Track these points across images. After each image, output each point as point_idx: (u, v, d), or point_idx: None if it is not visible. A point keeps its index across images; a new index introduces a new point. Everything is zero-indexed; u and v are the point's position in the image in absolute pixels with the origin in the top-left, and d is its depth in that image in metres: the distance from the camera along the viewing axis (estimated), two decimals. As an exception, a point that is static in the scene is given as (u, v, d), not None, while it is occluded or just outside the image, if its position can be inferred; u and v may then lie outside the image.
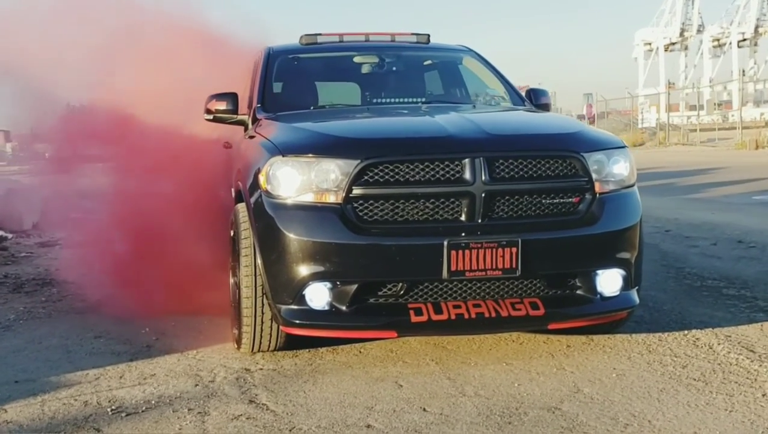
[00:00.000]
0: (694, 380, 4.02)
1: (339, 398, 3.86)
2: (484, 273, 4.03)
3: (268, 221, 4.15)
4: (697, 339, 4.77)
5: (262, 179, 4.21)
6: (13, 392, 4.04)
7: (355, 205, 4.05)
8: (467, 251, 4.00)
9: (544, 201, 4.20)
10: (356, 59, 6.02)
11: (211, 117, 5.41)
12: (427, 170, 4.06)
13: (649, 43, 68.85)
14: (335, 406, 3.75)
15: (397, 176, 4.05)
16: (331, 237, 4.03)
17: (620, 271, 4.35)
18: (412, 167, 4.06)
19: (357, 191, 4.03)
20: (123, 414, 3.68)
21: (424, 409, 3.69)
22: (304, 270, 4.04)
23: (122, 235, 6.64)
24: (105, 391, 4.01)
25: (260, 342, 4.44)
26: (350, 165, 4.04)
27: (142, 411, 3.71)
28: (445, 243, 3.97)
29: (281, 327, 4.27)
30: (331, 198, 4.05)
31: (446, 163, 4.07)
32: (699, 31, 66.30)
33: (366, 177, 4.04)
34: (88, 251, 7.05)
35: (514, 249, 4.03)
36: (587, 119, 45.48)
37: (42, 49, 7.97)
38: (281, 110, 5.28)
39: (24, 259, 8.28)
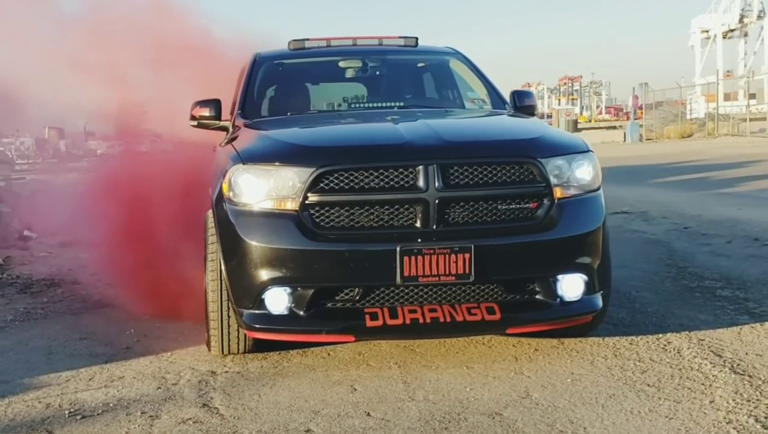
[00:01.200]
0: (648, 386, 4.01)
1: (290, 402, 3.94)
2: (437, 279, 4.07)
3: (229, 228, 4.25)
4: (668, 342, 4.74)
5: (225, 186, 4.31)
6: (-15, 393, 4.21)
7: (312, 212, 4.12)
8: (420, 257, 4.04)
9: (500, 207, 4.22)
10: (341, 64, 6.09)
11: (195, 123, 5.53)
12: (381, 177, 4.12)
13: (707, 31, 67.12)
14: (283, 410, 3.83)
15: (352, 184, 4.11)
16: (287, 243, 4.11)
17: (582, 276, 4.34)
18: (366, 174, 4.12)
19: (313, 198, 4.11)
20: (78, 417, 3.81)
21: (368, 414, 3.76)
22: (262, 275, 4.14)
23: (136, 236, 6.75)
24: (71, 393, 4.16)
25: (229, 345, 4.55)
26: (306, 173, 4.11)
27: (98, 414, 3.84)
28: (398, 249, 4.02)
29: (245, 331, 4.37)
30: (289, 205, 4.14)
31: (400, 170, 4.12)
32: (759, 17, 64.45)
33: (322, 184, 4.12)
34: (103, 251, 7.22)
35: (467, 255, 4.06)
36: (633, 110, 44.82)
37: (95, 54, 8.32)
38: (261, 116, 5.40)
39: (41, 259, 8.53)
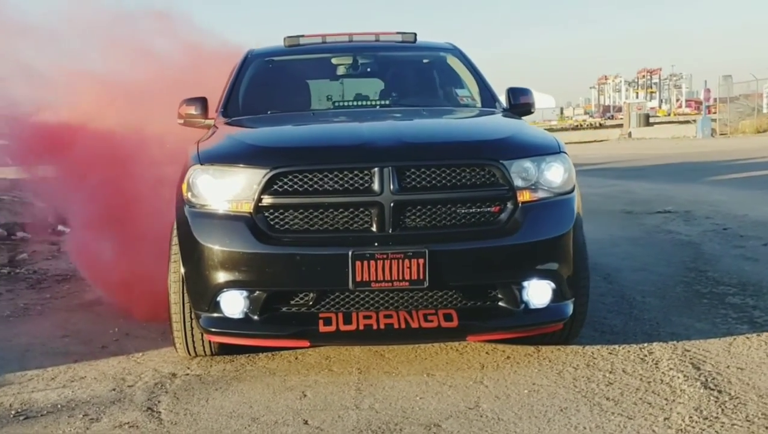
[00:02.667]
0: (607, 399, 3.81)
1: (234, 407, 3.87)
2: (390, 284, 3.95)
3: (186, 229, 4.20)
4: (650, 353, 4.52)
5: (184, 186, 4.27)
6: (-51, 390, 4.26)
7: (266, 214, 4.04)
8: (372, 262, 3.92)
9: (459, 211, 4.06)
10: (333, 61, 6.00)
11: (182, 121, 5.51)
12: (336, 179, 4.02)
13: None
14: (223, 416, 3.77)
15: (305, 186, 4.02)
16: (239, 246, 4.04)
17: (548, 283, 4.15)
18: (320, 176, 4.02)
19: (267, 200, 4.03)
20: (22, 418, 3.82)
21: (306, 422, 3.66)
22: (216, 278, 4.08)
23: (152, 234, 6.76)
24: (26, 393, 4.17)
25: (194, 347, 4.51)
26: (260, 174, 4.04)
27: (41, 415, 3.84)
28: (350, 253, 3.91)
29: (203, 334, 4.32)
30: (244, 207, 4.07)
31: (355, 172, 4.01)
32: None
33: (276, 186, 4.03)
34: (121, 247, 7.27)
35: (421, 260, 3.93)
36: (704, 104, 43.35)
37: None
38: (242, 114, 5.34)
39: (66, 254, 8.66)
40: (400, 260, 3.93)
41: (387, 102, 5.70)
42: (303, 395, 4.01)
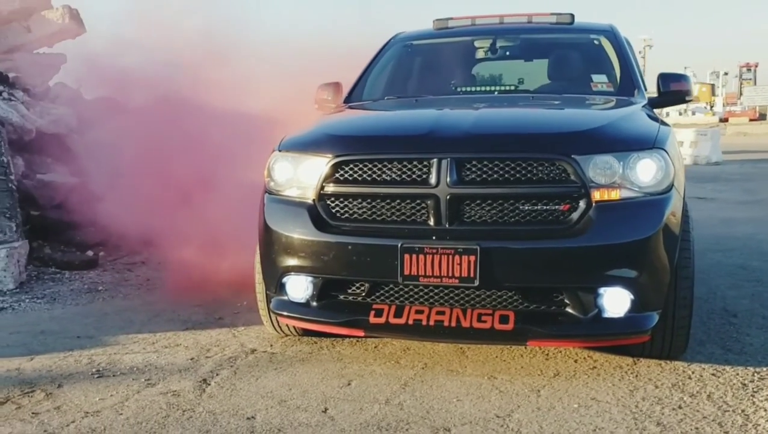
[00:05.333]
0: (657, 424, 3.38)
1: (273, 387, 3.94)
2: (439, 280, 3.79)
3: (262, 213, 4.33)
4: (761, 379, 3.93)
5: (265, 171, 4.39)
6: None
7: (328, 202, 4.06)
8: (421, 256, 3.79)
9: (522, 208, 3.77)
10: (476, 44, 5.79)
11: (317, 106, 5.64)
12: (395, 169, 3.92)
13: None
14: (257, 395, 3.83)
15: (365, 175, 3.97)
16: (299, 232, 4.08)
17: (624, 290, 3.74)
18: (380, 165, 3.95)
19: (329, 188, 4.04)
20: (96, 376, 4.17)
21: (325, 410, 3.64)
22: (280, 262, 4.16)
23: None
24: (120, 354, 4.55)
25: (279, 326, 4.64)
26: (323, 162, 4.05)
27: (113, 375, 4.18)
28: (399, 246, 3.81)
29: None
30: (309, 194, 4.11)
31: (414, 163, 3.89)
32: None
33: (337, 174, 4.02)
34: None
35: (472, 257, 3.72)
36: None
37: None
38: (364, 99, 5.39)
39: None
40: (450, 256, 3.75)
41: (510, 88, 5.41)
42: (348, 383, 3.98)
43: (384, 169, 3.94)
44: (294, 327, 4.61)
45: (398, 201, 3.92)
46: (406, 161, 3.90)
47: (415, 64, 5.95)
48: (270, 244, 4.22)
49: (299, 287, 4.16)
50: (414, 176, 3.87)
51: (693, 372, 4.05)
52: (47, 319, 5.40)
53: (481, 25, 5.91)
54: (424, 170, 3.85)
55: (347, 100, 5.41)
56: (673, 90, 5.08)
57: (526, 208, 3.77)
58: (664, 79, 5.11)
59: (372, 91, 5.53)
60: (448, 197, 3.79)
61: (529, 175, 3.76)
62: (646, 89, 5.19)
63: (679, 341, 4.11)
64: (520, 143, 3.91)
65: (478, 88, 5.45)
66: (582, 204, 3.73)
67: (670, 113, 50.72)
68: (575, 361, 4.24)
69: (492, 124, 4.21)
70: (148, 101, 9.79)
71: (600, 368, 4.13)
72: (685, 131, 24.33)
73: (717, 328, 4.88)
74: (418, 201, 3.88)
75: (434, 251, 3.77)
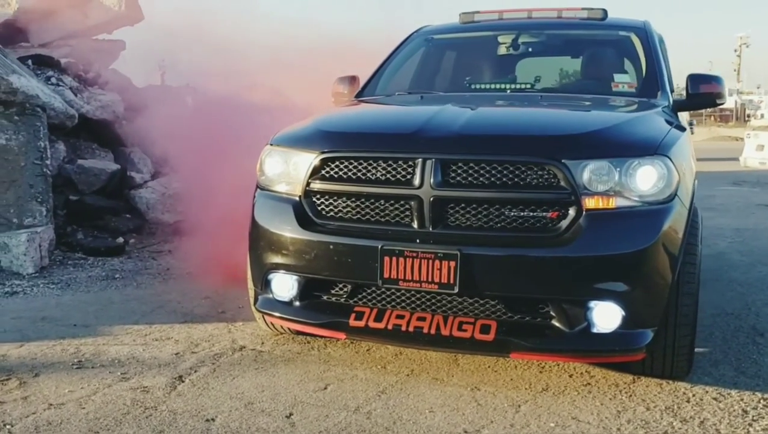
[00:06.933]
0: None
1: (246, 388, 3.81)
2: (418, 285, 3.60)
3: (252, 207, 4.21)
4: (765, 407, 3.63)
5: (257, 166, 4.27)
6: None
7: (313, 200, 3.92)
8: (401, 259, 3.61)
9: (508, 213, 3.55)
10: (499, 39, 5.55)
11: (333, 99, 5.51)
12: (379, 168, 3.75)
13: None
14: (226, 396, 3.71)
15: (350, 173, 3.81)
16: (284, 229, 3.95)
17: (615, 305, 3.49)
18: (365, 164, 3.78)
19: (314, 185, 3.90)
20: (76, 366, 4.12)
21: (290, 415, 3.49)
22: (265, 259, 4.04)
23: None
24: (107, 345, 4.49)
25: (271, 323, 4.52)
26: (309, 158, 3.91)
27: (92, 367, 4.12)
28: (379, 248, 3.64)
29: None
30: (296, 190, 3.98)
31: (399, 162, 3.71)
32: None
33: (323, 171, 3.88)
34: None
35: (452, 262, 3.52)
36: None
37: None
38: (376, 94, 5.23)
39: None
40: (431, 261, 3.56)
41: (525, 87, 5.13)
42: (324, 387, 3.83)
43: (369, 167, 3.77)
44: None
45: (382, 201, 3.75)
46: (391, 160, 3.73)
47: (434, 59, 5.74)
48: (257, 240, 4.11)
49: (284, 286, 4.03)
50: (398, 176, 3.69)
51: (693, 395, 3.77)
52: (53, 306, 5.40)
53: (508, 19, 5.66)
54: (409, 170, 3.67)
55: (359, 94, 5.25)
56: (703, 92, 4.75)
57: (513, 214, 3.55)
58: (694, 80, 4.79)
59: (386, 85, 5.36)
60: (431, 199, 3.60)
61: (516, 179, 3.53)
62: (672, 91, 4.87)
63: (680, 361, 3.83)
64: (508, 145, 3.67)
65: (492, 86, 5.20)
66: (572, 212, 3.49)
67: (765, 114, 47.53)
68: (570, 376, 4.00)
69: (482, 124, 3.97)
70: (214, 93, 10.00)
71: (594, 385, 3.89)
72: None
73: (738, 347, 4.57)
74: (402, 202, 3.70)
75: (414, 254, 3.59)
